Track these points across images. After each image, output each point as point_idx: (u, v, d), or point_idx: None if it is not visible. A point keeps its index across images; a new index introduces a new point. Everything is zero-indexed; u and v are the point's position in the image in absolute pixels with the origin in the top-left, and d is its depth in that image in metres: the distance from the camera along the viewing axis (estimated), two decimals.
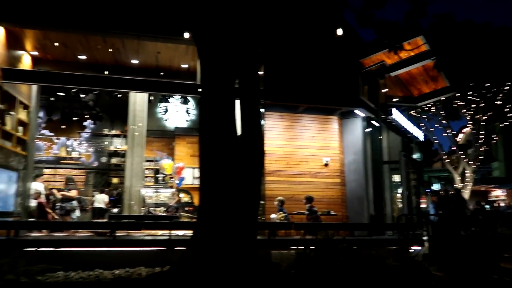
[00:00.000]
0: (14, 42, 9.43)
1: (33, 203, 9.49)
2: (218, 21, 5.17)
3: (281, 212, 8.76)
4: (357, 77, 10.77)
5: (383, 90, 11.81)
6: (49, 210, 9.45)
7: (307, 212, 8.76)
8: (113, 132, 14.03)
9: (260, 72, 6.06)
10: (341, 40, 9.47)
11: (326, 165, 10.32)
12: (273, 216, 8.80)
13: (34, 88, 10.53)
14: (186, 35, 8.49)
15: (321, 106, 10.36)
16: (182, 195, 11.93)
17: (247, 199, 4.88)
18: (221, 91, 5.11)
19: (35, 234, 7.90)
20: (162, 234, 7.57)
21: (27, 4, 8.30)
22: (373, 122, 11.24)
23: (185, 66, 11.35)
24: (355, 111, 10.60)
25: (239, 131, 5.30)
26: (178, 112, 13.80)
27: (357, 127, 10.83)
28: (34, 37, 9.73)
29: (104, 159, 13.92)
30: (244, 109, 5.18)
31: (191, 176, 12.67)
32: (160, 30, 8.91)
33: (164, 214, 10.82)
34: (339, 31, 8.16)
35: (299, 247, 6.40)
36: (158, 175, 13.41)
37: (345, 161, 10.71)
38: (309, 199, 9.00)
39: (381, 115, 11.44)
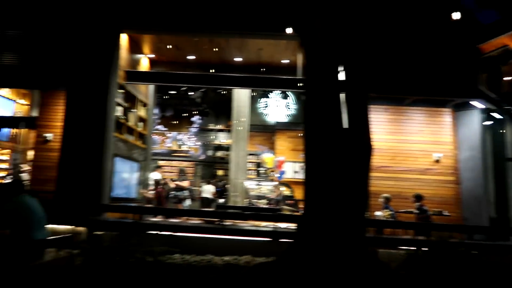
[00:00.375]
0: (135, 47, 10.53)
1: (152, 191, 10.52)
2: (323, 14, 5.10)
3: (387, 210, 8.36)
4: (474, 65, 9.72)
5: (507, 78, 10.46)
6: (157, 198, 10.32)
7: (416, 211, 8.22)
8: (218, 127, 14.87)
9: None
10: (455, 24, 8.64)
11: (437, 161, 9.57)
12: (378, 213, 8.45)
13: (151, 87, 11.67)
14: (289, 30, 8.54)
15: (431, 98, 9.61)
16: (283, 188, 12.15)
17: (355, 195, 4.75)
18: (326, 84, 5.03)
19: (153, 219, 8.74)
20: (265, 225, 7.79)
21: (146, 13, 9.16)
22: (494, 114, 10.05)
23: (285, 61, 11.47)
24: (471, 102, 9.58)
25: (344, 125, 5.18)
26: (278, 107, 14.03)
27: (474, 120, 9.79)
28: (151, 42, 10.74)
29: (210, 152, 14.84)
30: (350, 102, 5.04)
31: (291, 170, 12.82)
32: (262, 27, 9.11)
33: (265, 206, 11.15)
34: (456, 15, 7.43)
35: (409, 247, 6.07)
36: (259, 169, 13.84)
37: (460, 158, 9.78)
38: (418, 198, 8.42)
39: (504, 106, 10.15)
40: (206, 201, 11.31)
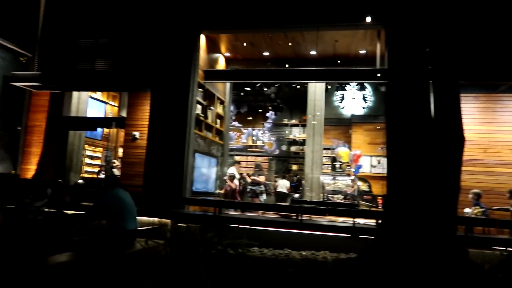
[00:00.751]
0: (212, 47, 10.89)
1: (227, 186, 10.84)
2: None
3: (478, 207, 7.69)
4: None
5: None
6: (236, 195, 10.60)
7: None
8: (293, 121, 14.84)
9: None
10: None
11: None
12: (467, 210, 7.81)
13: (228, 85, 12.00)
14: (368, 19, 8.19)
15: None
16: (359, 183, 11.79)
17: (445, 190, 4.43)
18: (413, 72, 4.74)
19: (231, 212, 9.02)
20: (342, 221, 7.62)
21: (223, 13, 9.43)
22: None
23: (362, 51, 11.06)
24: None
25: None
26: (355, 100, 13.60)
27: None
28: (227, 41, 11.02)
29: (284, 147, 14.89)
30: (438, 90, 4.70)
31: (368, 164, 12.38)
32: (339, 17, 8.86)
33: (342, 201, 10.90)
34: None
35: (505, 248, 5.54)
36: (335, 163, 13.57)
37: None
38: None
39: None
40: (281, 196, 11.38)
